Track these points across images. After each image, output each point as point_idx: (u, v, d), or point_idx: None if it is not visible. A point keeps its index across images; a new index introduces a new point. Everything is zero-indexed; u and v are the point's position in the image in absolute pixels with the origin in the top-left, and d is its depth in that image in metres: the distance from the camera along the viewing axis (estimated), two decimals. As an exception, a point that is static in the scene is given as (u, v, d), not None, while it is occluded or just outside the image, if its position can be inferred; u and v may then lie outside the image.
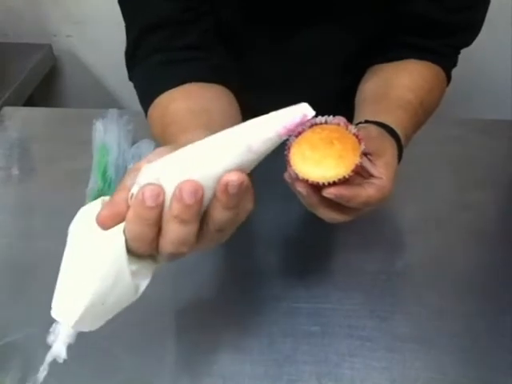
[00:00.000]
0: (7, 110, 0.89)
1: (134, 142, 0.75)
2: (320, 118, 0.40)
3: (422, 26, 0.59)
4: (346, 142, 0.39)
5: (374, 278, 0.60)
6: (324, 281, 0.60)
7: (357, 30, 0.62)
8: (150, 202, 0.30)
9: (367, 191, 0.41)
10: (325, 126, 0.40)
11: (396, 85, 0.57)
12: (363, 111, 0.54)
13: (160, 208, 0.31)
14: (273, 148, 0.33)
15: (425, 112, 0.57)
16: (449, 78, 0.64)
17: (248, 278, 0.59)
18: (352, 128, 0.40)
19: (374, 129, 0.47)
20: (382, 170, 0.42)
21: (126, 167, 0.72)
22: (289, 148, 0.40)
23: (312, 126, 0.40)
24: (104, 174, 0.70)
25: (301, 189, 0.40)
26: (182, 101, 0.52)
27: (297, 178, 0.39)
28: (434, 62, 0.60)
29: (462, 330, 0.55)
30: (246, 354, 0.52)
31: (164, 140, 0.49)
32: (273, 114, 0.33)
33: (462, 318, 0.56)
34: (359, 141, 0.39)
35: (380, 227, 0.67)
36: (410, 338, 0.54)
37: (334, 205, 0.40)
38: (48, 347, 0.53)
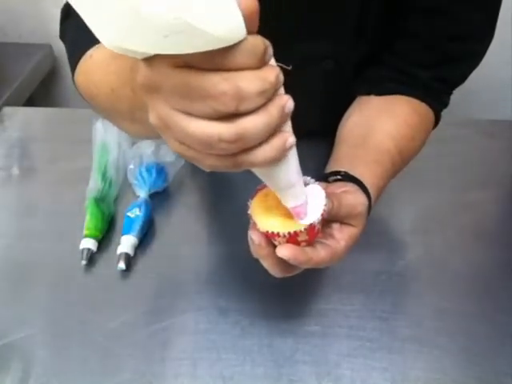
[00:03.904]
0: (7, 110, 0.89)
1: (134, 142, 0.75)
2: None
3: (417, 49, 0.56)
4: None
5: (375, 278, 0.60)
6: (324, 281, 0.60)
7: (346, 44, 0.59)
8: None
9: (320, 255, 0.41)
10: None
11: (378, 129, 0.55)
12: (341, 152, 0.54)
13: None
14: None
15: (403, 160, 0.55)
16: (437, 120, 0.61)
17: (248, 278, 0.59)
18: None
19: (350, 187, 0.46)
20: (345, 237, 0.43)
21: (126, 167, 0.72)
22: (252, 197, 0.41)
23: None
24: (104, 174, 0.70)
25: (255, 237, 0.40)
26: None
27: (253, 227, 0.40)
28: (423, 100, 0.58)
29: (462, 330, 0.55)
30: (246, 355, 0.52)
31: (90, 92, 0.47)
32: None
33: (462, 318, 0.56)
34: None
35: (380, 227, 0.67)
36: (410, 339, 0.54)
37: (282, 261, 0.40)
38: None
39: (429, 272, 0.61)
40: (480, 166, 0.77)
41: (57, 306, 0.57)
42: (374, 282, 0.60)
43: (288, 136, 0.31)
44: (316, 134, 0.70)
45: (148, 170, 0.70)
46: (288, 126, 0.31)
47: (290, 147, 0.31)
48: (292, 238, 0.38)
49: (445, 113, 0.62)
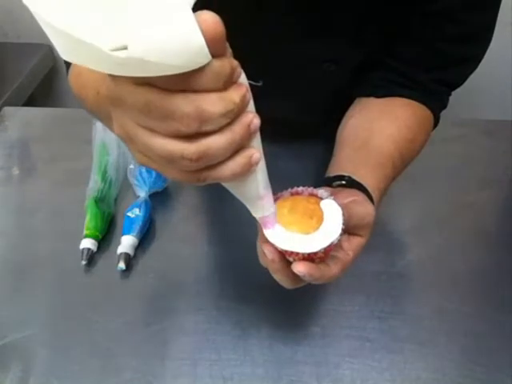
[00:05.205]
0: (7, 109, 0.89)
1: (134, 142, 0.75)
2: (303, 188, 0.41)
3: (417, 51, 0.56)
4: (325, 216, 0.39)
5: (375, 279, 0.60)
6: (324, 281, 0.60)
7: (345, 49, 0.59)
8: None
9: (332, 270, 0.41)
10: (308, 196, 0.41)
11: (378, 131, 0.55)
12: (343, 155, 0.54)
13: None
14: None
15: (403, 162, 0.56)
16: (436, 121, 0.61)
17: (248, 278, 0.59)
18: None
19: (358, 197, 0.46)
20: (353, 247, 0.43)
21: (126, 167, 0.72)
22: None
23: (294, 194, 0.41)
24: (104, 174, 0.70)
25: (268, 252, 0.39)
26: None
27: (266, 241, 0.39)
28: (423, 102, 0.58)
29: (462, 330, 0.55)
30: (246, 355, 0.52)
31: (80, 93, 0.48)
32: None
33: (462, 318, 0.56)
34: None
35: (380, 228, 0.66)
36: (410, 339, 0.54)
37: (294, 275, 0.40)
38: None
39: (429, 272, 0.61)
40: (480, 166, 0.77)
41: (57, 305, 0.57)
42: (374, 282, 0.60)
43: (254, 152, 0.31)
44: (316, 134, 0.70)
45: (148, 170, 0.70)
46: (256, 142, 0.31)
47: (256, 163, 0.31)
48: (309, 256, 0.39)
49: (445, 113, 0.62)
